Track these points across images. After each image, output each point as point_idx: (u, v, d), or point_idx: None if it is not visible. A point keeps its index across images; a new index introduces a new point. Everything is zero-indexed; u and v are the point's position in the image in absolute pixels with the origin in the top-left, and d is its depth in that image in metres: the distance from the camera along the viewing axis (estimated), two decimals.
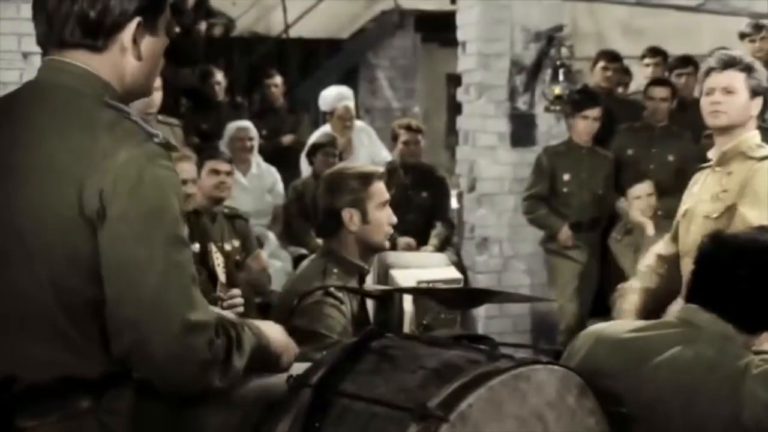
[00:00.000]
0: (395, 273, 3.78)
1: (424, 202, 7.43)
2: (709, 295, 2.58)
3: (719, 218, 3.89)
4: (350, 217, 3.71)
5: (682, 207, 4.13)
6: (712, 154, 4.10)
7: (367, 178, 3.76)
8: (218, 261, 3.84)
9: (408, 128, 7.68)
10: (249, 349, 2.20)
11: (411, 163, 7.54)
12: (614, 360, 2.53)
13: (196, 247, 4.94)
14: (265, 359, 2.31)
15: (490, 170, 7.41)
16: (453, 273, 3.99)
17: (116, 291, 2.03)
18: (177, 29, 9.34)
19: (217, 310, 2.39)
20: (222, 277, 3.77)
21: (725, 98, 3.95)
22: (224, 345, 2.12)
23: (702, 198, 4.03)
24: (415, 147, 7.62)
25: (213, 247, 3.99)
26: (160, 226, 2.05)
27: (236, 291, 3.72)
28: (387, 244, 3.80)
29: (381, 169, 3.86)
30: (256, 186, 7.70)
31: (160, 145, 2.09)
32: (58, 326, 2.07)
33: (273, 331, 2.37)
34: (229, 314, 2.48)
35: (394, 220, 3.79)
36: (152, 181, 2.04)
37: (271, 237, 7.45)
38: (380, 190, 3.77)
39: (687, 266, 3.63)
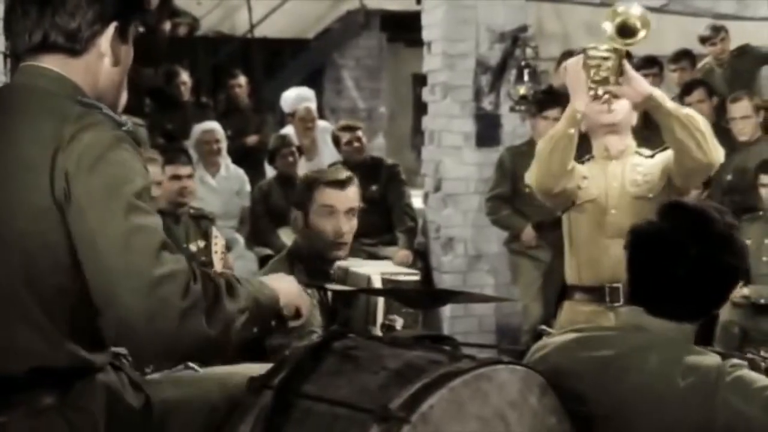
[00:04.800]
0: (358, 269, 3.75)
1: (375, 195, 7.37)
2: (650, 298, 2.55)
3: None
4: (294, 217, 3.75)
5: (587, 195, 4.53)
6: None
7: (312, 183, 3.73)
8: (217, 248, 3.79)
9: (346, 129, 7.69)
10: (245, 296, 2.17)
11: (358, 161, 7.44)
12: (576, 363, 2.52)
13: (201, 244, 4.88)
14: (276, 311, 2.29)
15: (455, 170, 7.41)
16: (409, 269, 4.04)
17: (88, 267, 2.06)
18: (141, 29, 9.28)
19: None
20: (218, 265, 3.72)
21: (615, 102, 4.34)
22: (209, 290, 2.09)
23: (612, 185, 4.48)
24: (358, 144, 7.59)
25: (215, 231, 3.91)
26: (117, 196, 2.06)
27: None
28: (336, 254, 3.67)
29: (337, 176, 3.74)
30: (225, 188, 7.66)
31: (127, 133, 2.14)
32: (30, 314, 2.11)
33: (283, 284, 2.34)
34: None
35: (343, 231, 3.67)
36: (115, 160, 2.08)
37: (240, 240, 7.44)
38: (325, 197, 3.68)
39: (615, 248, 3.82)
